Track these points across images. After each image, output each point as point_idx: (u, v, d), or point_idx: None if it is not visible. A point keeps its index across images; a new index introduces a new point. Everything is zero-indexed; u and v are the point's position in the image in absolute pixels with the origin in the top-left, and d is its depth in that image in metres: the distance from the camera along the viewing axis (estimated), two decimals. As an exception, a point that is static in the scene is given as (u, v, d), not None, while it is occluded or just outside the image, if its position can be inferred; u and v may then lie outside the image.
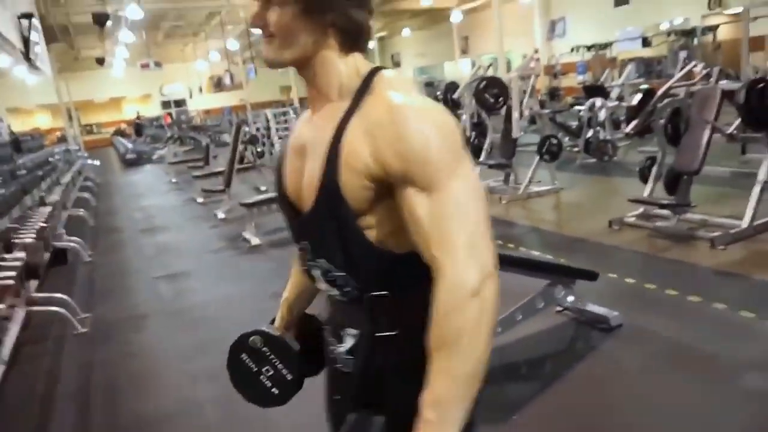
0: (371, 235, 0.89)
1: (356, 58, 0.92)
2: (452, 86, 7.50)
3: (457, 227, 0.81)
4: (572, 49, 16.55)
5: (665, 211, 4.40)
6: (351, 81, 0.90)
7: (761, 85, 3.75)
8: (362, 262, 0.91)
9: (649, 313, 3.03)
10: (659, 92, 4.73)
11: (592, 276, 2.95)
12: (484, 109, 6.22)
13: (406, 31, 24.42)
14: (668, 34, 12.25)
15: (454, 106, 7.01)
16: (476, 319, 0.79)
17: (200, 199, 8.09)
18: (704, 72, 4.49)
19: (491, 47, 20.11)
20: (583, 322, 2.96)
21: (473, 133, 6.78)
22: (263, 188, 8.13)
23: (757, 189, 3.99)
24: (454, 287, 0.80)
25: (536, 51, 6.35)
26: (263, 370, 1.11)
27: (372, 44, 26.06)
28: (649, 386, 2.36)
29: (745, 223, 3.96)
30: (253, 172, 8.58)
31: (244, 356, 1.12)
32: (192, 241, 6.11)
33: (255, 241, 5.38)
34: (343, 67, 0.91)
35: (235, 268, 4.88)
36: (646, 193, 4.64)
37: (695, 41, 11.48)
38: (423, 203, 0.82)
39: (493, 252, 0.83)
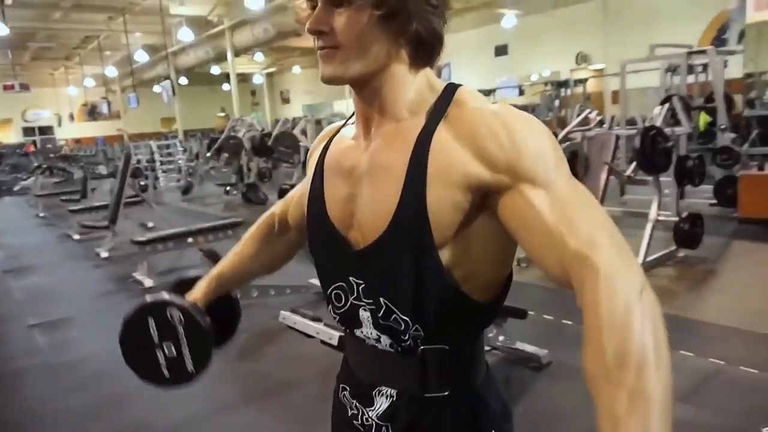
0: (455, 275, 0.75)
1: (427, 72, 0.79)
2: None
3: (596, 220, 0.67)
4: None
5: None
6: (424, 97, 0.77)
7: (653, 132, 4.11)
8: (435, 306, 0.76)
9: (574, 350, 3.01)
10: (559, 136, 5.03)
11: (521, 314, 2.96)
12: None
13: (296, 68, 24.45)
14: (545, 84, 13.34)
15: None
16: (659, 321, 0.60)
17: (77, 236, 7.27)
18: (598, 119, 4.85)
19: (381, 88, 20.78)
20: (514, 360, 2.96)
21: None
22: (150, 224, 7.53)
23: (648, 227, 4.32)
24: (620, 281, 0.60)
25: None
26: (164, 345, 0.95)
27: (260, 79, 25.91)
28: (587, 425, 2.36)
29: (639, 260, 4.25)
30: (137, 206, 7.91)
31: (151, 321, 0.95)
32: (72, 283, 5.42)
33: (148, 282, 4.88)
34: (414, 82, 0.78)
35: (127, 314, 4.37)
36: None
37: (568, 91, 12.59)
38: (543, 200, 0.68)
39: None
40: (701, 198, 6.14)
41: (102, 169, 13.57)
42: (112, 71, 19.76)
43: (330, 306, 0.88)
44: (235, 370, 3.21)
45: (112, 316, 4.09)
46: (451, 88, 0.77)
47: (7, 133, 25.73)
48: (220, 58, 17.92)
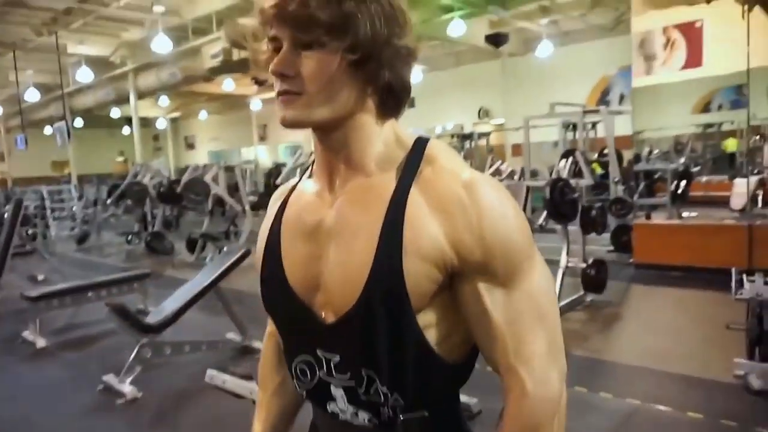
0: (430, 338, 0.73)
1: (393, 124, 0.77)
2: (276, 170, 7.43)
3: (538, 331, 0.71)
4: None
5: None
6: (392, 151, 0.75)
7: (560, 183, 4.39)
8: (417, 373, 0.73)
9: (499, 398, 3.13)
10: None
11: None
12: (310, 195, 6.19)
13: (202, 114, 23.92)
14: (452, 136, 13.96)
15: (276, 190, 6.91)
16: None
17: (-47, 292, 6.49)
18: (509, 170, 5.11)
19: (290, 136, 20.76)
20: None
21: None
22: (41, 277, 6.91)
23: (560, 273, 4.54)
24: (538, 406, 0.71)
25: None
26: None
27: (164, 123, 25.03)
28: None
29: (553, 305, 4.44)
30: (24, 257, 7.25)
31: None
32: (-55, 346, 4.79)
33: (41, 342, 4.42)
34: (381, 134, 0.75)
35: (17, 381, 3.91)
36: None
37: (473, 144, 13.24)
38: (499, 302, 0.70)
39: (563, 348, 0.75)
40: (599, 245, 6.58)
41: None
42: (-4, 110, 18.28)
43: (294, 380, 0.82)
44: (149, 438, 2.94)
45: None
46: (421, 144, 0.76)
47: None
48: (122, 100, 17.15)
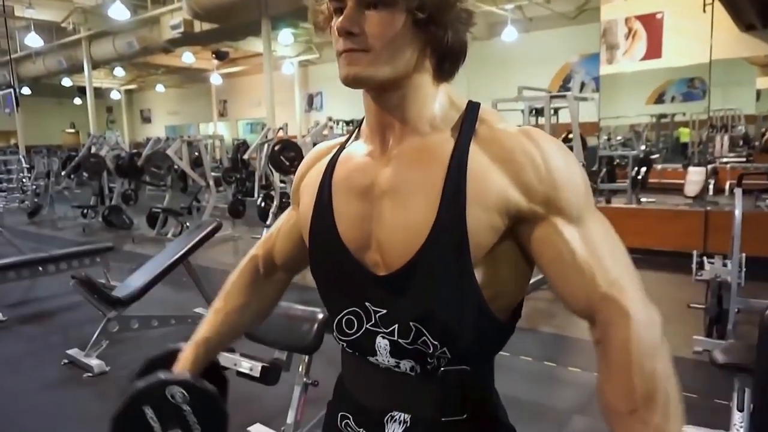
0: (486, 296, 0.73)
1: (447, 88, 0.78)
2: (243, 146, 7.28)
3: (621, 258, 0.71)
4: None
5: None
6: (447, 112, 0.76)
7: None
8: (467, 327, 0.74)
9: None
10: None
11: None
12: (280, 171, 6.14)
13: (159, 87, 23.15)
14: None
15: (243, 166, 6.78)
16: (672, 364, 0.67)
17: None
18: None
19: (250, 112, 20.38)
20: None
21: (261, 195, 6.61)
22: (-9, 250, 6.60)
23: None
24: (649, 327, 0.67)
25: (330, 119, 6.58)
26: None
27: (118, 95, 24.12)
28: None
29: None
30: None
31: (148, 411, 0.81)
32: None
33: (-2, 316, 4.25)
34: (436, 96, 0.76)
35: (-27, 354, 3.75)
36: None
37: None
38: (576, 236, 0.70)
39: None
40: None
41: None
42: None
43: (336, 332, 0.83)
44: (120, 412, 2.88)
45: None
46: (474, 106, 0.77)
47: None
48: (74, 69, 16.43)
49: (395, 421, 0.79)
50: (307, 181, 0.87)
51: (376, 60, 0.71)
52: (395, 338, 0.75)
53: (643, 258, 5.54)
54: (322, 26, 0.76)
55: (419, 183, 0.72)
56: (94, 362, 3.27)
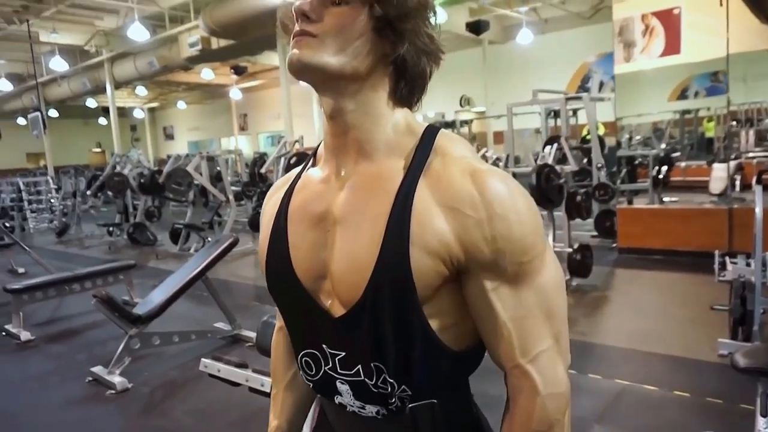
0: (437, 327, 0.72)
1: (405, 112, 0.76)
2: (260, 160, 7.35)
3: (546, 328, 0.71)
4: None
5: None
6: (401, 138, 0.74)
7: (547, 169, 4.42)
8: (423, 363, 0.72)
9: (483, 380, 3.17)
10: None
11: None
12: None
13: (181, 104, 23.56)
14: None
15: (261, 179, 6.84)
16: (567, 428, 0.73)
17: (-71, 287, 6.34)
18: (495, 157, 5.13)
19: (270, 125, 20.60)
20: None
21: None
22: (21, 270, 6.79)
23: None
24: (550, 404, 0.70)
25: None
26: None
27: (141, 114, 24.60)
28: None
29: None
30: (3, 250, 7.11)
31: None
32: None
33: (25, 335, 4.35)
34: (391, 119, 0.74)
35: (1, 374, 3.85)
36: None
37: (455, 132, 13.32)
38: (506, 300, 0.69)
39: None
40: (583, 230, 6.66)
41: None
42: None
43: (301, 371, 0.82)
44: (140, 428, 2.92)
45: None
46: (431, 133, 0.74)
47: None
48: (98, 90, 16.81)
49: None
50: (265, 213, 0.86)
51: (323, 47, 0.69)
52: (361, 378, 0.74)
53: (666, 259, 5.45)
54: (289, 29, 0.74)
55: (367, 214, 0.71)
56: (116, 379, 3.33)
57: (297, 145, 7.01)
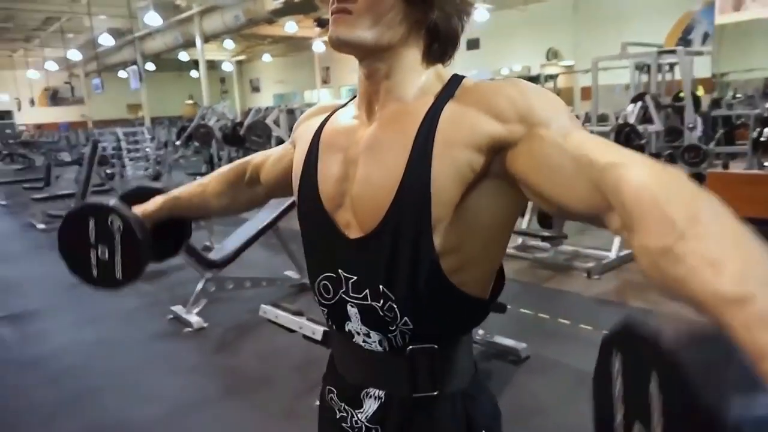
0: (446, 265, 0.72)
1: (438, 67, 0.79)
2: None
3: (622, 150, 0.61)
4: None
5: (543, 243, 4.69)
6: (431, 83, 0.76)
7: (627, 129, 4.19)
8: (425, 294, 0.73)
9: (551, 343, 3.15)
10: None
11: (501, 308, 2.99)
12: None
13: (266, 57, 24.08)
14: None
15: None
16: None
17: (41, 225, 7.05)
18: (574, 115, 4.91)
19: (352, 78, 20.63)
20: (494, 354, 2.98)
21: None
22: (118, 214, 7.35)
23: (621, 223, 4.40)
24: (665, 167, 0.55)
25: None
26: (99, 246, 1.00)
27: (230, 67, 25.44)
28: (568, 416, 2.41)
29: (612, 254, 4.34)
30: (104, 195, 7.71)
31: (92, 222, 0.99)
32: (37, 274, 5.24)
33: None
34: (423, 72, 0.77)
35: (99, 307, 4.25)
36: (524, 225, 4.91)
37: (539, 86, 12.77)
38: (562, 139, 0.63)
39: None
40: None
41: (66, 156, 13.11)
42: (75, 55, 19.02)
43: (317, 296, 0.85)
44: (213, 365, 3.17)
45: (80, 309, 3.99)
46: (458, 77, 0.77)
47: (-38, 117, 24.76)
48: (189, 44, 17.51)
49: (371, 397, 0.81)
50: (302, 132, 0.90)
51: (358, 23, 0.73)
52: (369, 302, 0.76)
53: (763, 230, 5.05)
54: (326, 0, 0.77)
55: (392, 142, 0.74)
56: (194, 319, 3.60)
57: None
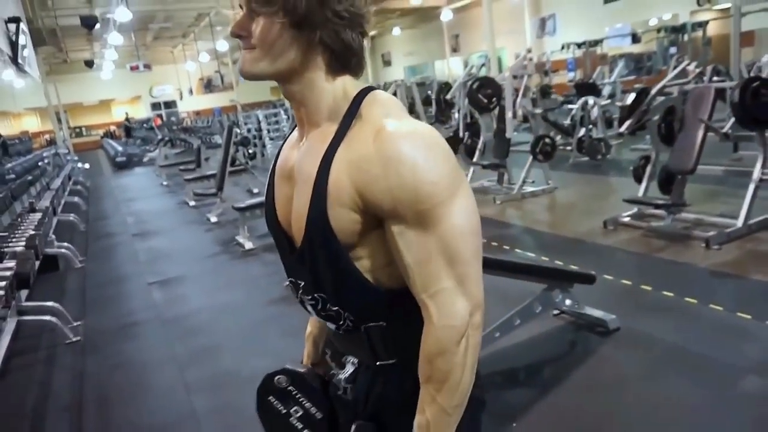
0: (364, 267, 0.86)
1: (345, 80, 0.87)
2: (445, 87, 7.48)
3: (447, 271, 0.79)
4: (562, 47, 16.58)
5: (660, 211, 4.40)
6: (339, 104, 0.85)
7: (756, 83, 3.75)
8: (355, 297, 0.88)
9: (647, 316, 3.02)
10: (653, 91, 4.72)
11: (589, 279, 2.93)
12: (478, 109, 6.20)
13: (396, 30, 24.35)
14: (658, 30, 12.24)
15: (447, 106, 7.00)
16: (462, 360, 0.81)
17: (192, 203, 8.02)
18: (697, 71, 4.48)
19: (482, 45, 20.15)
20: (581, 325, 2.95)
21: (467, 134, 6.77)
22: (256, 191, 8.08)
23: (751, 187, 3.99)
24: (442, 333, 0.80)
25: (529, 50, 6.32)
26: (292, 411, 1.04)
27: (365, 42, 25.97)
28: (650, 390, 2.35)
29: (739, 222, 3.96)
30: (245, 174, 8.51)
31: (271, 398, 1.05)
32: (185, 245, 6.05)
33: (248, 245, 5.33)
34: (331, 90, 0.86)
35: (229, 274, 4.83)
36: (640, 192, 4.63)
37: (685, 37, 11.50)
38: (410, 244, 0.80)
39: (481, 280, 0.82)
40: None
41: (217, 139, 14.51)
42: (222, 45, 20.81)
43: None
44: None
45: (215, 276, 4.57)
46: (358, 97, 0.85)
47: (137, 109, 28.35)
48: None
49: (350, 362, 0.99)
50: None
51: (258, 57, 0.83)
52: (316, 303, 0.92)
53: None
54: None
55: (307, 174, 0.85)
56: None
57: (483, 69, 6.91)
